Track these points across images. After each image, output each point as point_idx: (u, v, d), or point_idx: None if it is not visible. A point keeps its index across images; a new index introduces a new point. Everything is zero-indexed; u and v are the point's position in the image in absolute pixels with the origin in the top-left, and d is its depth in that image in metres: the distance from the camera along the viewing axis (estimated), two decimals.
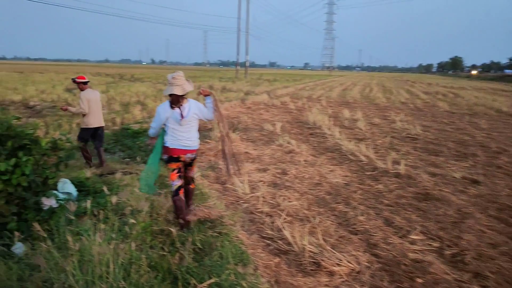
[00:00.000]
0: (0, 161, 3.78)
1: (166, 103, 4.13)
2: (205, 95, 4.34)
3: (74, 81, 6.66)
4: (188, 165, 4.41)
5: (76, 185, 5.19)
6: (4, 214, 3.73)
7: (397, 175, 6.75)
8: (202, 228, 4.26)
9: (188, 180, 4.48)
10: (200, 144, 4.90)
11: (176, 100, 4.04)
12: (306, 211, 5.09)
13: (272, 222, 4.68)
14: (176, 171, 4.21)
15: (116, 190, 5.08)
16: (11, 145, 3.90)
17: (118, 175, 6.05)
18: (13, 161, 3.83)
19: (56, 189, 4.75)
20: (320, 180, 6.47)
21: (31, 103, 16.22)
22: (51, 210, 4.04)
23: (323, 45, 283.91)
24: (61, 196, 4.61)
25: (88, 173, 5.95)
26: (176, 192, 4.19)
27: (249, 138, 10.34)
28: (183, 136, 4.14)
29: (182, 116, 4.05)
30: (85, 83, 6.67)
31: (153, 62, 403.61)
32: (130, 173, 6.31)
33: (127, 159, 7.86)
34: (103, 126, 7.03)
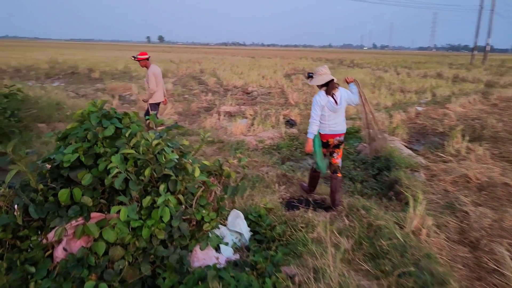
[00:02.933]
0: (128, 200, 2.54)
1: (321, 93, 4.37)
2: (350, 82, 4.62)
3: (135, 58, 6.94)
4: (336, 147, 4.56)
5: (249, 221, 3.74)
6: (129, 282, 2.48)
7: None
8: None
9: (334, 168, 4.64)
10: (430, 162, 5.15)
11: (331, 88, 4.31)
12: None
13: None
14: (333, 154, 4.60)
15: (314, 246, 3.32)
16: (148, 174, 2.60)
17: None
18: (147, 200, 2.53)
19: (215, 233, 3.38)
20: None
21: (249, 89, 16.58)
22: (203, 273, 2.62)
23: None
24: (230, 238, 3.22)
25: (272, 199, 4.45)
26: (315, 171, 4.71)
27: (504, 154, 7.05)
28: (333, 121, 4.42)
29: (336, 103, 4.34)
30: (148, 59, 7.00)
31: (374, 47, 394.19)
32: (320, 205, 4.53)
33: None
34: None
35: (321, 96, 4.32)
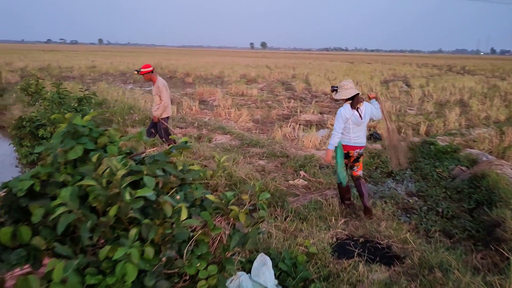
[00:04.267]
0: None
1: (346, 106, 4.45)
2: (372, 98, 4.75)
3: (138, 72, 6.35)
4: (355, 160, 4.64)
5: (279, 271, 2.90)
6: None
7: None
8: None
9: (355, 179, 4.70)
10: None
11: (357, 102, 4.42)
12: None
13: None
14: (354, 168, 4.67)
15: None
16: (113, 215, 1.94)
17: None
18: (104, 252, 1.88)
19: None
20: None
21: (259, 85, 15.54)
22: None
23: None
24: None
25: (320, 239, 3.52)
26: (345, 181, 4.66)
27: None
28: (356, 134, 4.52)
29: (360, 117, 4.45)
30: (152, 71, 6.40)
31: (493, 52, 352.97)
32: (383, 253, 3.44)
33: (414, 199, 5.02)
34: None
35: (346, 109, 4.44)
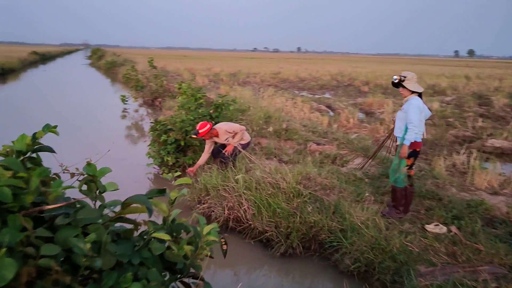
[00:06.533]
0: None
1: (418, 98, 4.26)
2: None
3: (196, 135, 5.32)
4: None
5: None
6: None
7: None
8: None
9: (411, 180, 4.46)
10: None
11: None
12: None
13: None
14: (412, 167, 4.38)
15: None
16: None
17: None
18: None
19: None
20: None
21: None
22: None
23: None
24: None
25: None
26: (405, 184, 4.32)
27: None
28: (423, 129, 4.32)
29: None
30: (211, 128, 5.40)
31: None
32: None
33: None
34: None
35: (419, 101, 4.23)
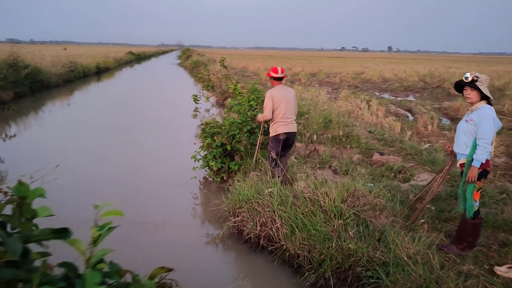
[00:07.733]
0: None
1: (492, 109, 3.50)
2: None
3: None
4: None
5: None
6: None
7: None
8: None
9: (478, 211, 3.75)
10: None
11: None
12: None
13: None
14: (481, 190, 3.61)
15: None
16: None
17: None
18: None
19: None
20: None
21: None
22: None
23: None
24: None
25: None
26: (477, 214, 3.61)
27: None
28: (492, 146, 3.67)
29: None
30: (277, 78, 5.00)
31: None
32: None
33: None
34: (294, 132, 5.08)
35: (493, 112, 3.48)
